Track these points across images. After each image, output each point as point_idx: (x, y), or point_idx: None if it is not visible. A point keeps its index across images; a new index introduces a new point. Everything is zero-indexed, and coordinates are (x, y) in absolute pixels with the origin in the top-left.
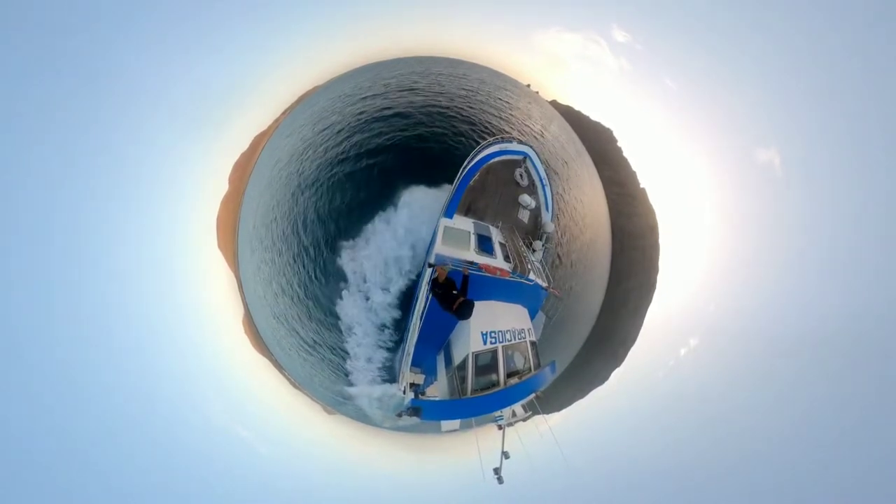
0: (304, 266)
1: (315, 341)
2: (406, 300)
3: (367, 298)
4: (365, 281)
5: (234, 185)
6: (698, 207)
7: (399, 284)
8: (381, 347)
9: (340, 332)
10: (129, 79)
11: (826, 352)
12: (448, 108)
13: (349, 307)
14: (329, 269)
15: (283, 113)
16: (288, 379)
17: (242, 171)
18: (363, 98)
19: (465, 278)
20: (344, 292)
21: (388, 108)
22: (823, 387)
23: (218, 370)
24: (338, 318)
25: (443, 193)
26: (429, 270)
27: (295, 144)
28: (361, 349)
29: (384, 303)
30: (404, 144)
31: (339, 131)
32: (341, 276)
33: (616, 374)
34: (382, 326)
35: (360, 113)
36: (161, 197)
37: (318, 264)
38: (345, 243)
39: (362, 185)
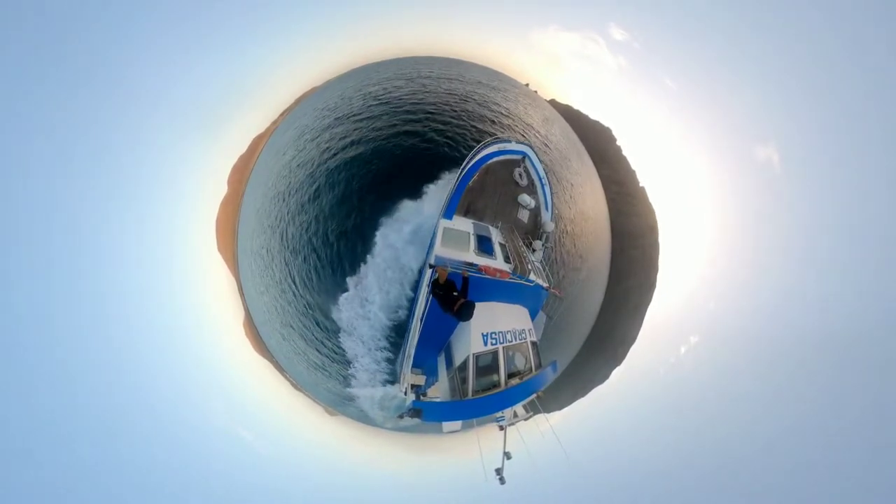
0: (308, 318)
1: (323, 363)
2: (394, 346)
3: (364, 344)
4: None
5: (233, 187)
6: (697, 205)
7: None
8: (381, 372)
9: (347, 363)
10: (127, 80)
11: (826, 349)
12: (421, 133)
13: (350, 346)
14: (328, 327)
15: (282, 115)
16: (289, 380)
17: (241, 174)
18: (338, 118)
19: (465, 280)
20: (343, 337)
21: (355, 141)
22: (823, 383)
23: (219, 372)
24: (344, 352)
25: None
26: (429, 272)
27: (277, 179)
28: (363, 374)
29: (378, 345)
30: (349, 232)
31: (300, 185)
32: (339, 329)
33: (617, 373)
34: (379, 362)
35: (324, 151)
36: (161, 198)
37: (320, 326)
38: (332, 306)
39: (326, 266)
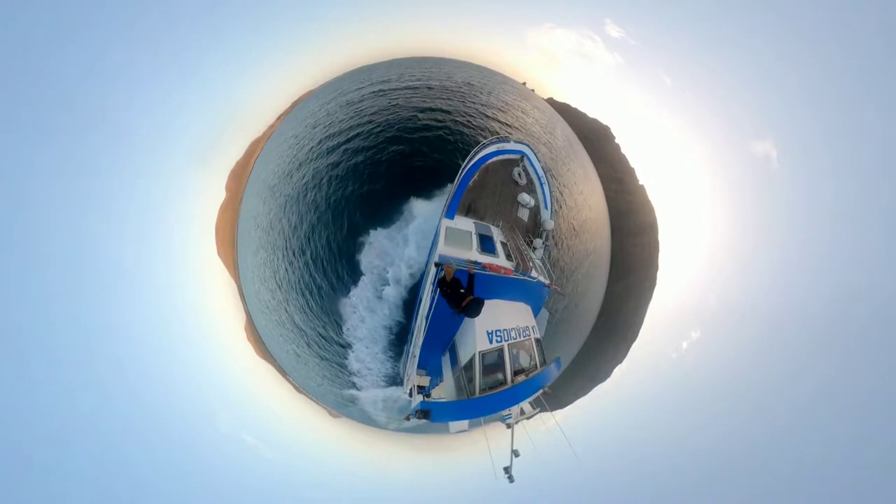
0: (309, 321)
1: (325, 366)
2: (397, 347)
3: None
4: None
5: (231, 192)
6: (696, 202)
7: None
8: (384, 373)
9: (350, 365)
10: (124, 83)
11: (826, 341)
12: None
13: (352, 348)
14: (330, 329)
15: (278, 118)
16: (291, 383)
17: (239, 179)
18: (334, 122)
19: (471, 277)
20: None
21: (354, 146)
22: (825, 375)
23: (221, 377)
24: (346, 354)
25: None
26: (434, 270)
27: (274, 183)
28: (366, 376)
29: (381, 346)
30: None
31: (298, 189)
32: (341, 330)
33: (619, 370)
34: (382, 363)
35: (322, 155)
36: (159, 205)
37: (322, 328)
38: (334, 308)
39: (327, 268)
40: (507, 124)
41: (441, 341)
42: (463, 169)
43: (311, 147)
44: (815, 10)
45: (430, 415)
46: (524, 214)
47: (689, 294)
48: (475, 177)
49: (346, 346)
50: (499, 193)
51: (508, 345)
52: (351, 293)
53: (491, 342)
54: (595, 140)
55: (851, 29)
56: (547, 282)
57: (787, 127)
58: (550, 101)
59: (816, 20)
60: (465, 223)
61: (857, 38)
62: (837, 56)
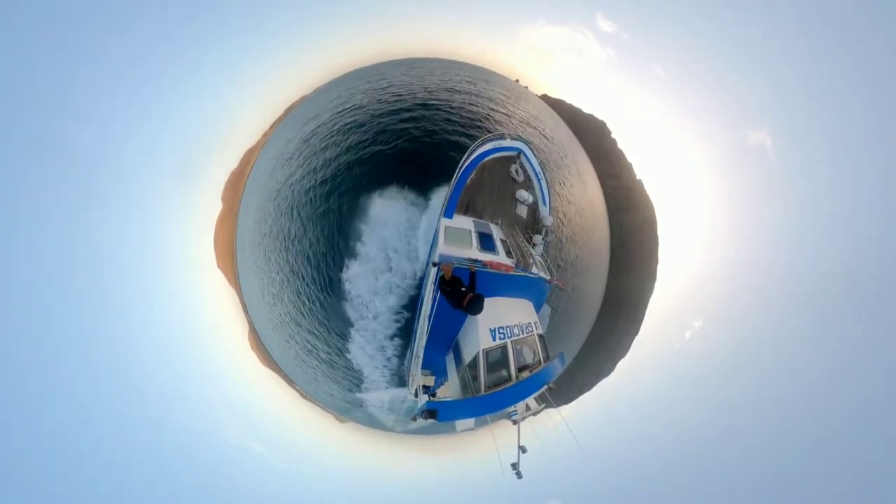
0: (312, 326)
1: (329, 370)
2: (400, 348)
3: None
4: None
5: (227, 203)
6: (694, 193)
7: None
8: (388, 375)
9: (354, 368)
10: (120, 89)
11: (826, 328)
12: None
13: (356, 350)
14: (333, 333)
15: (272, 126)
16: (297, 390)
17: (235, 189)
18: (328, 125)
19: (473, 275)
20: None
21: (351, 147)
22: (826, 361)
23: (227, 387)
24: (350, 357)
25: None
26: (434, 269)
27: (271, 190)
28: (370, 378)
29: (384, 347)
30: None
31: (296, 192)
32: (344, 333)
33: (622, 364)
34: (386, 364)
35: (316, 158)
36: (156, 220)
37: (324, 332)
38: (336, 311)
39: (328, 272)
40: (502, 122)
41: (444, 340)
42: (460, 167)
43: (307, 153)
44: (812, 3)
45: (437, 414)
46: (523, 211)
47: (690, 284)
48: (472, 175)
49: (349, 349)
50: (497, 191)
51: (512, 341)
52: (352, 295)
53: (494, 339)
54: (591, 136)
55: (846, 18)
56: (548, 277)
57: (782, 116)
58: (544, 98)
59: (810, 9)
60: (464, 222)
61: (851, 26)
62: (831, 45)
